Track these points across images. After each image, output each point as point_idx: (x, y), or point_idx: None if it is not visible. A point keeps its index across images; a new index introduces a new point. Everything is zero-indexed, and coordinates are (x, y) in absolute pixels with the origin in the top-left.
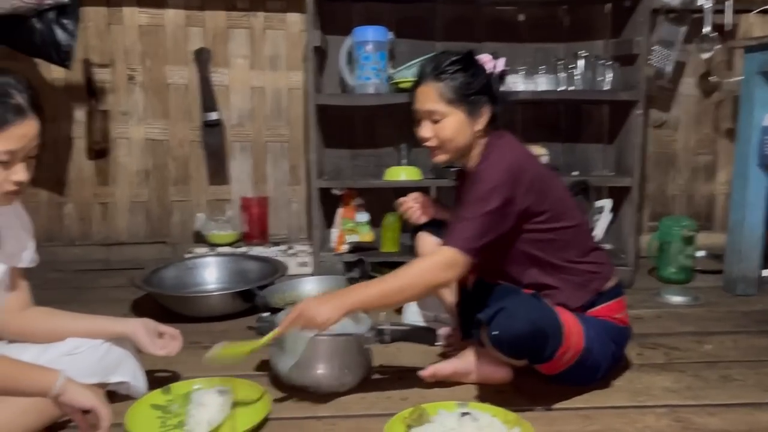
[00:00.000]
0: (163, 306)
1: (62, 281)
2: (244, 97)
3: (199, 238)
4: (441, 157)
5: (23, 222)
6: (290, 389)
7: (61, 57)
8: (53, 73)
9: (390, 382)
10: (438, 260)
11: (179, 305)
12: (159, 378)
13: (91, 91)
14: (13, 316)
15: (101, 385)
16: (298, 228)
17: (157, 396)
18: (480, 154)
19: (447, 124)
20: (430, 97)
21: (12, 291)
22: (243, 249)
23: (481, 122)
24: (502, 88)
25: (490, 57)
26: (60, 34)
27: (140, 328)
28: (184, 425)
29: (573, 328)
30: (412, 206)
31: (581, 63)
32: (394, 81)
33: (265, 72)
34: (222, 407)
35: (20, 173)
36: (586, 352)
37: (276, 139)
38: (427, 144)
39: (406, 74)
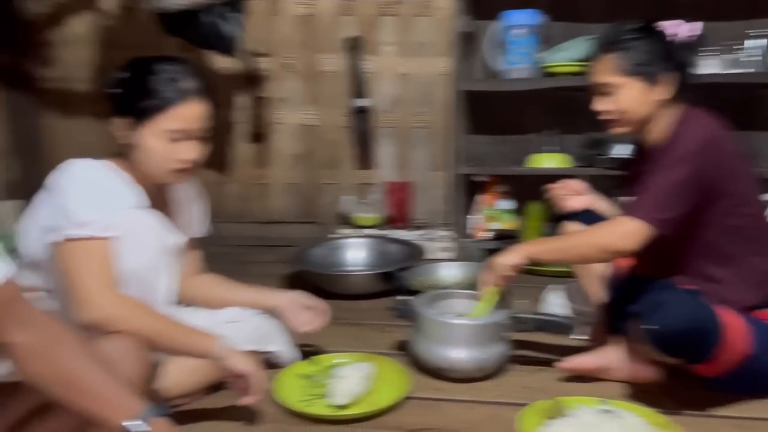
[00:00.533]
0: (311, 282)
1: (223, 255)
2: (392, 84)
3: (345, 220)
4: (619, 130)
5: (197, 196)
6: (427, 371)
7: (227, 47)
8: (220, 63)
9: (527, 372)
10: (618, 227)
11: (326, 283)
12: (305, 350)
13: (252, 80)
14: (186, 281)
15: (255, 353)
16: (439, 213)
17: (303, 366)
18: (667, 127)
19: (623, 95)
20: (605, 69)
21: (186, 258)
22: (385, 232)
23: (663, 92)
24: (689, 55)
25: (679, 22)
26: (226, 27)
27: (290, 303)
28: (326, 395)
29: (738, 329)
30: (562, 193)
31: (755, 43)
32: (545, 65)
33: (412, 58)
34: (363, 381)
35: (185, 152)
36: (754, 358)
37: (421, 124)
38: (604, 117)
39: (558, 57)
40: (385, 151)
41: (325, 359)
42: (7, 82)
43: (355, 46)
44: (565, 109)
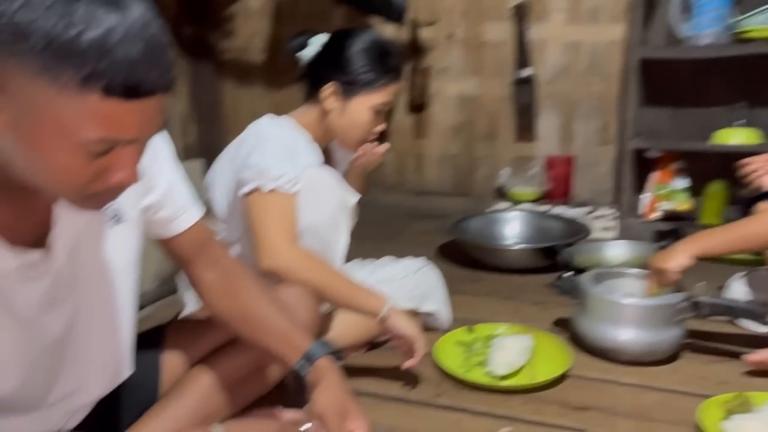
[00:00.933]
0: (465, 253)
1: (379, 223)
2: (559, 53)
3: (501, 194)
4: None
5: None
6: (591, 351)
7: (396, 14)
8: (384, 32)
9: (705, 361)
10: None
11: (483, 255)
12: (461, 318)
13: (416, 49)
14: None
15: (413, 312)
16: (603, 191)
17: (462, 334)
18: None
19: None
20: None
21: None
22: (544, 207)
23: None
24: None
25: None
26: None
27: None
28: (485, 364)
29: None
30: (760, 170)
31: None
32: (739, 30)
33: (583, 25)
34: (522, 353)
35: (381, 126)
36: None
37: (588, 96)
38: None
39: (755, 21)
40: (547, 124)
41: (483, 329)
42: (191, 53)
43: (522, 14)
44: (756, 78)
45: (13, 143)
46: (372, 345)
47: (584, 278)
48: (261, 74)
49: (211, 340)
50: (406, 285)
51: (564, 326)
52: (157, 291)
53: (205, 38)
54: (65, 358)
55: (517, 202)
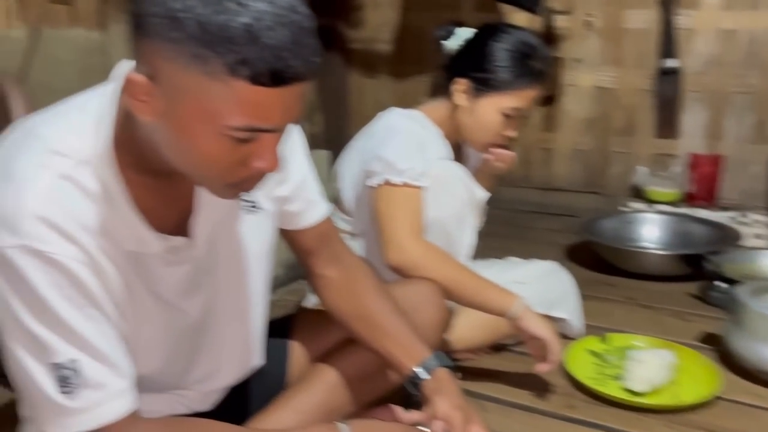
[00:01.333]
0: (597, 256)
1: (504, 219)
2: (711, 42)
3: (637, 193)
4: None
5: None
6: (746, 373)
7: (533, 4)
8: (516, 22)
9: None
10: None
11: (617, 258)
12: (593, 326)
13: (549, 39)
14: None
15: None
16: (756, 194)
17: (594, 343)
18: None
19: None
20: None
21: None
22: (685, 210)
23: None
24: None
25: None
26: None
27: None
28: (622, 378)
29: None
30: None
31: None
32: None
33: (741, 11)
34: (663, 370)
35: (511, 131)
36: None
37: (743, 89)
38: None
39: None
40: (692, 119)
41: (618, 339)
42: (320, 43)
43: (669, 0)
44: None
45: (164, 130)
46: (497, 347)
47: (741, 290)
48: (387, 64)
49: (337, 332)
50: (536, 288)
51: (711, 342)
52: (284, 277)
53: (334, 28)
54: (202, 342)
55: (653, 202)
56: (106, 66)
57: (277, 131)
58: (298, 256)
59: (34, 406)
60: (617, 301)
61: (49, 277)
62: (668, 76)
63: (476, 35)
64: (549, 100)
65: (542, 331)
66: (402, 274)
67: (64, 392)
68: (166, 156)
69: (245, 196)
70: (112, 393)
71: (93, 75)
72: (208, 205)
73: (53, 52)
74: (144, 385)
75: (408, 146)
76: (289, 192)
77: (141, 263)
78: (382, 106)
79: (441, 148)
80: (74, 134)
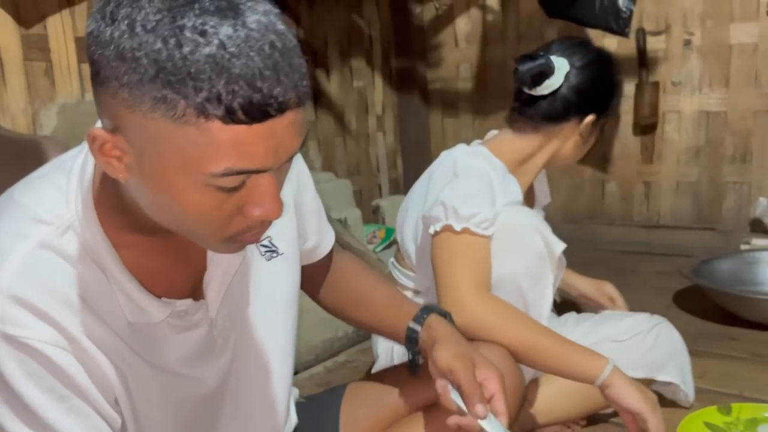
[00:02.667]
0: (713, 303)
1: (603, 261)
2: None
3: (758, 227)
4: None
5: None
6: None
7: (620, 25)
8: (605, 46)
9: None
10: None
11: (736, 305)
12: (709, 391)
13: (643, 62)
14: None
15: (646, 381)
16: None
17: (714, 414)
18: None
19: None
20: None
21: None
22: None
23: None
24: None
25: None
26: (621, 1)
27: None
28: None
29: None
30: None
31: None
32: None
33: None
34: None
35: None
36: None
37: None
38: None
39: None
40: None
41: (746, 409)
42: (399, 84)
43: None
44: None
45: (140, 187)
46: (592, 419)
47: None
48: (468, 102)
49: (391, 407)
50: (636, 347)
51: None
52: (354, 336)
53: (414, 69)
54: (223, 412)
55: None
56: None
57: (271, 172)
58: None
59: None
60: (741, 359)
61: (25, 366)
62: None
63: (590, 67)
64: (647, 129)
65: (634, 402)
66: (465, 336)
67: None
68: (154, 216)
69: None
70: None
71: None
72: (221, 260)
73: None
74: None
75: (472, 189)
76: (306, 230)
77: (145, 335)
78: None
79: (511, 188)
80: (56, 198)
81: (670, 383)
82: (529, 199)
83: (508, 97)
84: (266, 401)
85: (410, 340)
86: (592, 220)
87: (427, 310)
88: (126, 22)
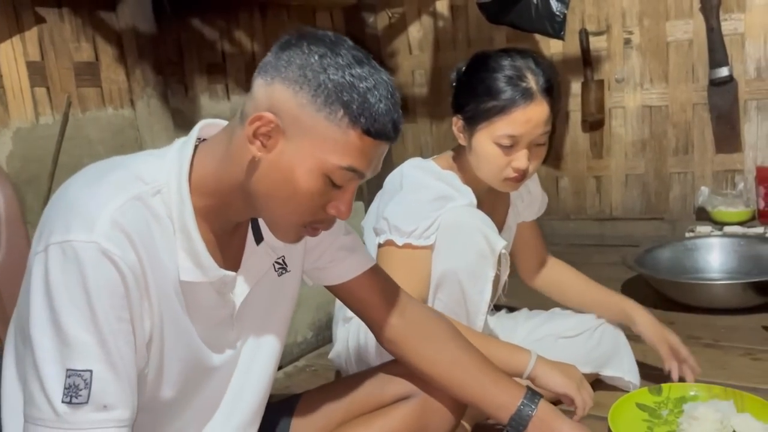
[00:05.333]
0: (656, 290)
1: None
2: (763, 44)
3: (702, 215)
4: None
5: (534, 179)
6: None
7: (556, 28)
8: (551, 48)
9: None
10: None
11: (676, 291)
12: (649, 373)
13: (587, 61)
14: (535, 267)
15: (593, 375)
16: None
17: (645, 395)
18: None
19: None
20: None
21: (530, 244)
22: (758, 230)
23: None
24: None
25: None
26: (554, 5)
27: (655, 336)
28: None
29: None
30: None
31: None
32: None
33: None
34: (724, 426)
35: (522, 160)
36: None
37: None
38: None
39: None
40: (753, 129)
41: (674, 389)
42: None
43: (711, 6)
44: None
45: (267, 166)
46: None
47: None
48: (425, 107)
49: (341, 411)
50: (584, 344)
51: None
52: (313, 341)
53: None
54: (214, 392)
55: (721, 224)
56: (137, 140)
57: (362, 179)
58: (357, 312)
59: (30, 406)
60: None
61: (107, 278)
62: (721, 86)
63: (464, 69)
64: (595, 126)
65: (559, 386)
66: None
67: (66, 401)
68: (256, 193)
69: (278, 258)
70: (112, 420)
71: (125, 150)
72: (251, 267)
73: (84, 133)
74: (152, 412)
75: (413, 203)
76: (324, 246)
77: (190, 296)
78: (425, 149)
79: (457, 195)
80: (157, 167)
81: (615, 377)
82: (498, 212)
83: None
84: (252, 400)
85: (516, 424)
86: (548, 216)
87: (535, 393)
88: (317, 55)
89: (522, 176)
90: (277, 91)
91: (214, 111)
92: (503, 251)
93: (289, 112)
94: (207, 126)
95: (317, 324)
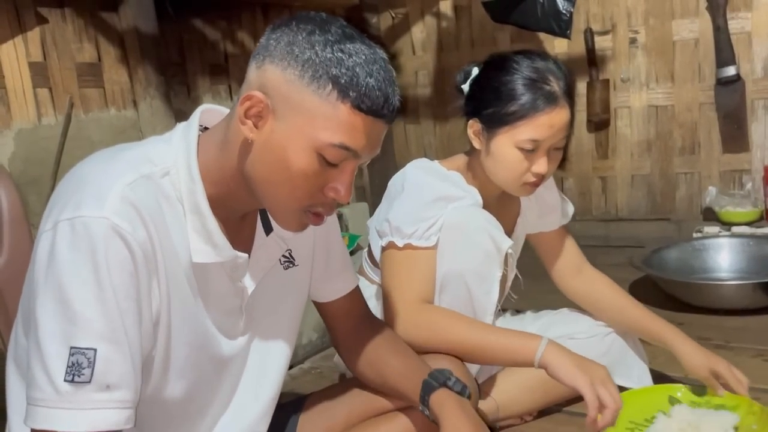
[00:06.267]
0: (664, 291)
1: None
2: None
3: (709, 216)
4: None
5: (550, 188)
6: None
7: (562, 27)
8: (556, 48)
9: None
10: None
11: (684, 292)
12: (660, 374)
13: (592, 61)
14: (570, 276)
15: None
16: None
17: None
18: None
19: None
20: None
21: (559, 253)
22: (766, 230)
23: None
24: None
25: None
26: (560, 3)
27: (700, 365)
28: None
29: None
30: None
31: None
32: None
33: None
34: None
35: (542, 165)
36: None
37: None
38: None
39: None
40: (762, 129)
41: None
42: None
43: (718, 5)
44: None
45: (260, 148)
46: (542, 413)
47: None
48: (428, 108)
49: (345, 410)
50: (593, 348)
51: None
52: (318, 343)
53: None
54: (221, 385)
55: (729, 224)
56: (139, 140)
57: (358, 159)
58: (326, 325)
59: (32, 388)
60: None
61: (116, 255)
62: (728, 85)
63: (480, 71)
64: (600, 126)
65: (569, 378)
66: (414, 349)
67: (68, 380)
68: (252, 177)
69: (285, 251)
70: (114, 400)
71: None
72: (261, 257)
73: (87, 134)
74: (165, 412)
75: (415, 204)
76: (323, 257)
77: (201, 278)
78: (428, 150)
79: (465, 194)
80: (164, 150)
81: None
82: (506, 219)
83: None
84: (264, 397)
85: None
86: None
87: (433, 380)
88: (305, 32)
89: (540, 181)
90: (267, 71)
91: None
92: (509, 251)
93: (278, 90)
94: (207, 111)
95: (322, 326)
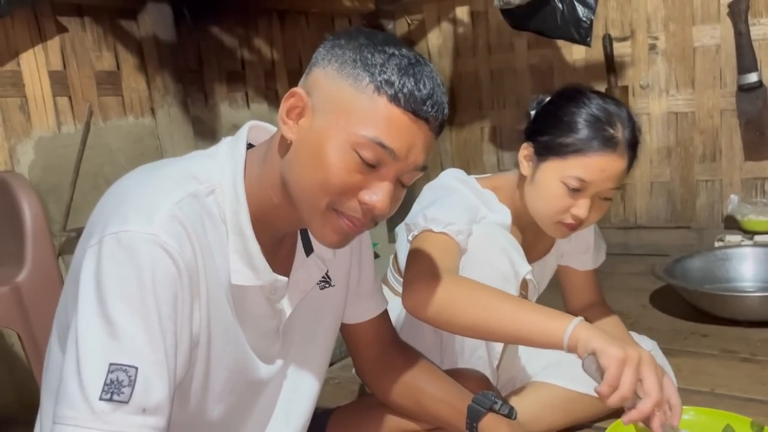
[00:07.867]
0: (686, 302)
1: None
2: None
3: (731, 224)
4: None
5: (591, 228)
6: None
7: (582, 34)
8: (574, 54)
9: None
10: None
11: (707, 303)
12: (686, 390)
13: (611, 67)
14: (578, 310)
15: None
16: None
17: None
18: None
19: None
20: None
21: (579, 292)
22: None
23: None
24: None
25: None
26: (580, 10)
27: None
28: None
29: None
30: None
31: None
32: None
33: None
34: None
35: (583, 209)
36: None
37: None
38: None
39: None
40: None
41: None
42: None
43: (739, 10)
44: None
45: (299, 148)
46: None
47: None
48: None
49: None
50: None
51: None
52: (337, 353)
53: None
54: (256, 407)
55: (751, 233)
56: (158, 149)
57: (398, 163)
58: (351, 351)
59: (62, 405)
60: (712, 355)
61: (163, 272)
62: (750, 92)
63: (550, 100)
64: None
65: (604, 347)
66: (424, 320)
67: (106, 398)
68: (288, 179)
69: (324, 272)
70: (148, 427)
71: (145, 159)
72: (300, 278)
73: (105, 142)
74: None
75: (454, 206)
76: (356, 280)
77: (239, 299)
78: (444, 157)
79: (494, 213)
80: (211, 167)
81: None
82: (540, 244)
83: (482, 108)
84: (297, 422)
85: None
86: None
87: (478, 404)
88: (350, 38)
89: (577, 225)
90: (312, 74)
91: (233, 119)
92: (528, 277)
93: (319, 88)
94: (254, 128)
95: (341, 337)
